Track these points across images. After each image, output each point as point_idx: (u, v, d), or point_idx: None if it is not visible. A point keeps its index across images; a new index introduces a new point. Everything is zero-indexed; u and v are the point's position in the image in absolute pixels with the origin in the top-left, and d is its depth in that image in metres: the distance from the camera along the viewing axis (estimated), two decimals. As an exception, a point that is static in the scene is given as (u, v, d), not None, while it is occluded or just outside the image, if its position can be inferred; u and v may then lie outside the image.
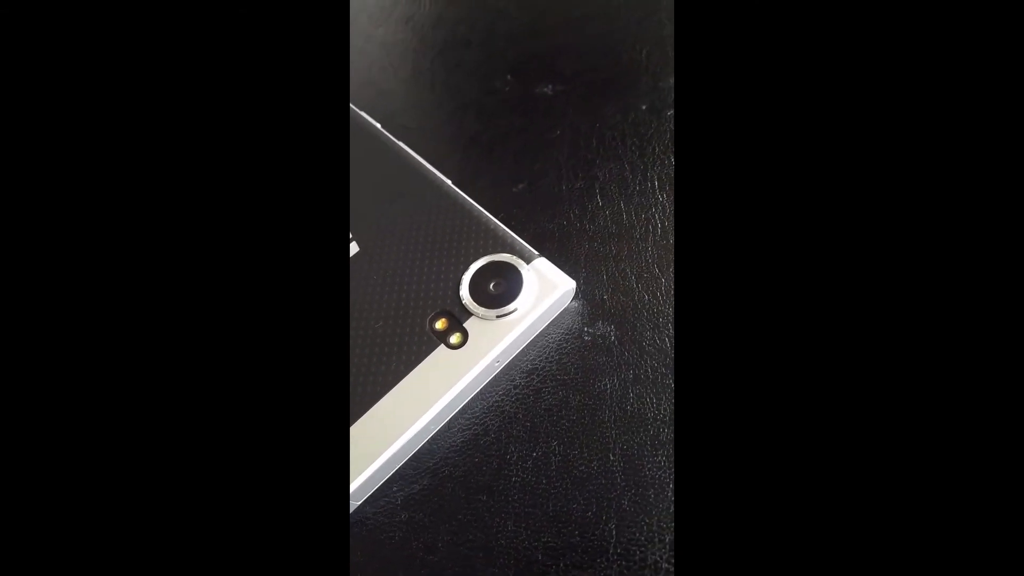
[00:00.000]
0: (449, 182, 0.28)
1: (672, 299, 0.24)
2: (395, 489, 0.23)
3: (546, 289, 0.24)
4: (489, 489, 0.22)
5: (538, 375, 0.24)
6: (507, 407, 0.23)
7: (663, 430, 0.22)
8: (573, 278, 0.25)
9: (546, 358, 0.24)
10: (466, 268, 0.25)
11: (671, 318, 0.24)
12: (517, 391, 0.24)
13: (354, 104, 0.32)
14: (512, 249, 0.25)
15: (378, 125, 0.31)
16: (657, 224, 0.27)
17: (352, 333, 0.24)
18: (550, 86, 0.32)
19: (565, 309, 0.25)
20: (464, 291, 0.24)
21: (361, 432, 0.22)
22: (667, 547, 0.20)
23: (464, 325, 0.23)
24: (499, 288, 0.24)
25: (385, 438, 0.22)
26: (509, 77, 0.34)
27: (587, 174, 0.29)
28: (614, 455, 0.22)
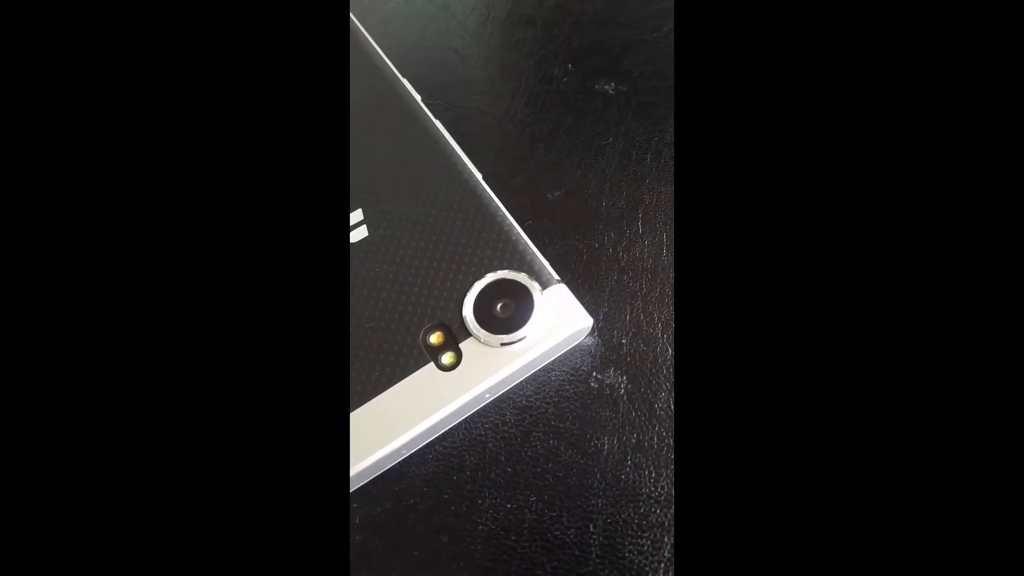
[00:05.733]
0: (479, 176, 0.25)
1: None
2: (355, 507, 0.21)
3: (559, 322, 0.21)
4: (452, 531, 0.20)
5: (531, 416, 0.21)
6: (490, 445, 0.21)
7: (655, 511, 0.19)
8: (593, 313, 0.22)
9: (543, 398, 0.22)
10: (475, 281, 0.22)
11: (692, 380, 0.21)
12: (505, 428, 0.21)
13: (399, 71, 0.29)
14: (530, 269, 0.22)
15: (418, 97, 0.28)
16: (699, 268, 0.23)
17: (339, 330, 0.22)
18: (612, 84, 0.29)
19: (576, 345, 0.23)
20: (468, 307, 0.22)
21: (328, 441, 0.20)
22: (633, 644, 0.18)
23: (460, 345, 0.21)
24: (507, 311, 0.21)
25: (354, 452, 0.20)
26: (570, 66, 0.30)
27: (633, 194, 0.26)
28: (595, 527, 0.19)
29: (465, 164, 0.25)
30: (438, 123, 0.27)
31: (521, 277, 0.22)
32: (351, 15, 0.32)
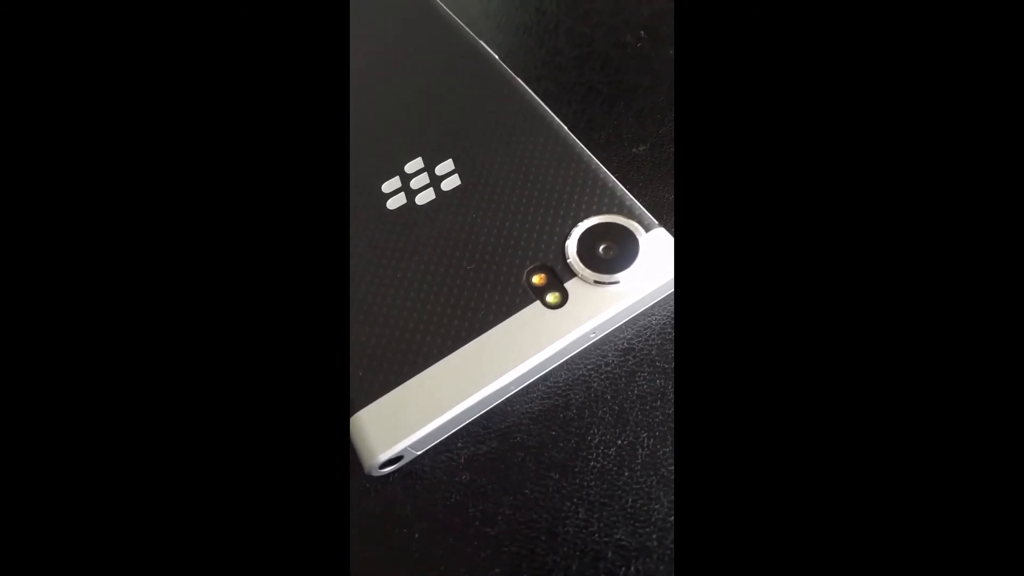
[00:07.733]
0: (567, 129, 0.25)
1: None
2: (459, 445, 0.21)
3: (663, 264, 0.21)
4: (563, 468, 0.20)
5: (634, 356, 0.21)
6: (595, 384, 0.21)
7: (772, 445, 0.19)
8: (689, 258, 0.22)
9: (645, 340, 0.22)
10: (576, 224, 0.22)
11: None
12: (608, 369, 0.21)
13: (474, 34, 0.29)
14: (631, 213, 0.22)
15: (496, 57, 0.28)
16: (793, 217, 0.24)
17: (442, 271, 0.22)
18: (688, 48, 0.29)
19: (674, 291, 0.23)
20: (571, 249, 0.22)
21: (435, 377, 0.20)
22: None
23: (565, 285, 0.21)
24: (610, 253, 0.21)
25: (461, 389, 0.20)
26: (643, 33, 0.31)
27: (718, 149, 0.26)
28: (710, 461, 0.19)
29: (553, 117, 0.25)
30: (520, 80, 0.27)
31: (623, 220, 0.22)
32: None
